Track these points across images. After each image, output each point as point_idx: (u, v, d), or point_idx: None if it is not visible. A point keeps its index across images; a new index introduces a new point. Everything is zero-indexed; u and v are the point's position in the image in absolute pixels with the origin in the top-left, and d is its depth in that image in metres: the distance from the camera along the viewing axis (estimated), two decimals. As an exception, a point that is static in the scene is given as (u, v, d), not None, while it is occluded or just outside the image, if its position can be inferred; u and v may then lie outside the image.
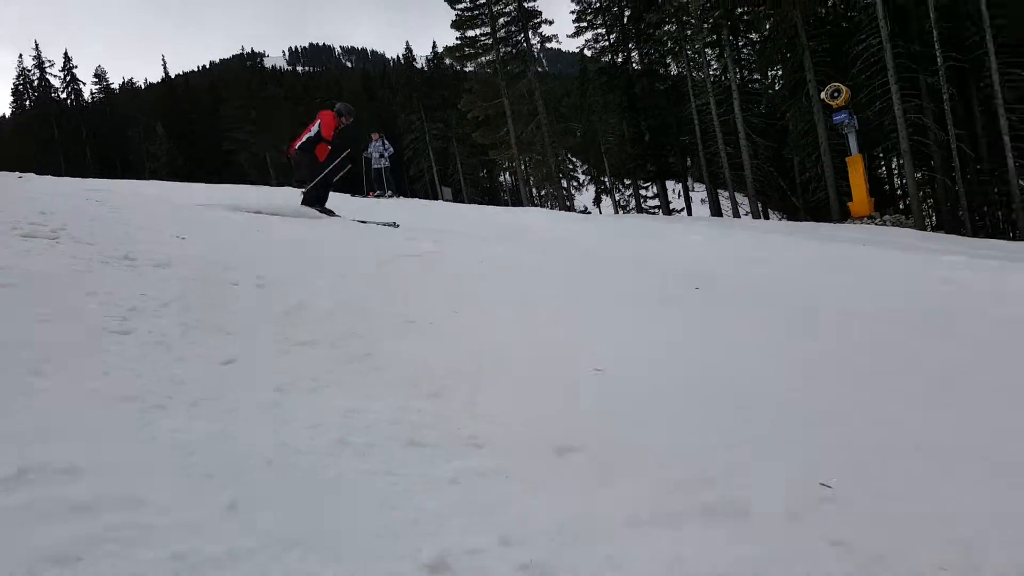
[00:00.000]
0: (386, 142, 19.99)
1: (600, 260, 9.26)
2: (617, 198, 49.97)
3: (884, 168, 40.45)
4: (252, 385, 3.06)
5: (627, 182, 49.17)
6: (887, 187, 39.82)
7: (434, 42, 67.48)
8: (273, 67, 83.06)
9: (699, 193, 51.39)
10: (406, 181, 56.91)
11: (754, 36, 38.31)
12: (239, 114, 57.40)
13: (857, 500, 2.58)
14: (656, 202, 47.01)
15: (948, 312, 7.29)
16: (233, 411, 2.76)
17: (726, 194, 40.43)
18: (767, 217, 39.09)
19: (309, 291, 4.72)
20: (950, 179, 30.52)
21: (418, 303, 5.08)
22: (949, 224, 31.15)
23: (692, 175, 50.58)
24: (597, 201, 53.62)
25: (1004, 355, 5.37)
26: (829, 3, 35.48)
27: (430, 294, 5.49)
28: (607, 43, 45.30)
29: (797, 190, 37.10)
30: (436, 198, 37.62)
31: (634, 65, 44.52)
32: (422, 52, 69.11)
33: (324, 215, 9.04)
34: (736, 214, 39.62)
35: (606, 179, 50.68)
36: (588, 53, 47.48)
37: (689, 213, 45.10)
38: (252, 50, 68.91)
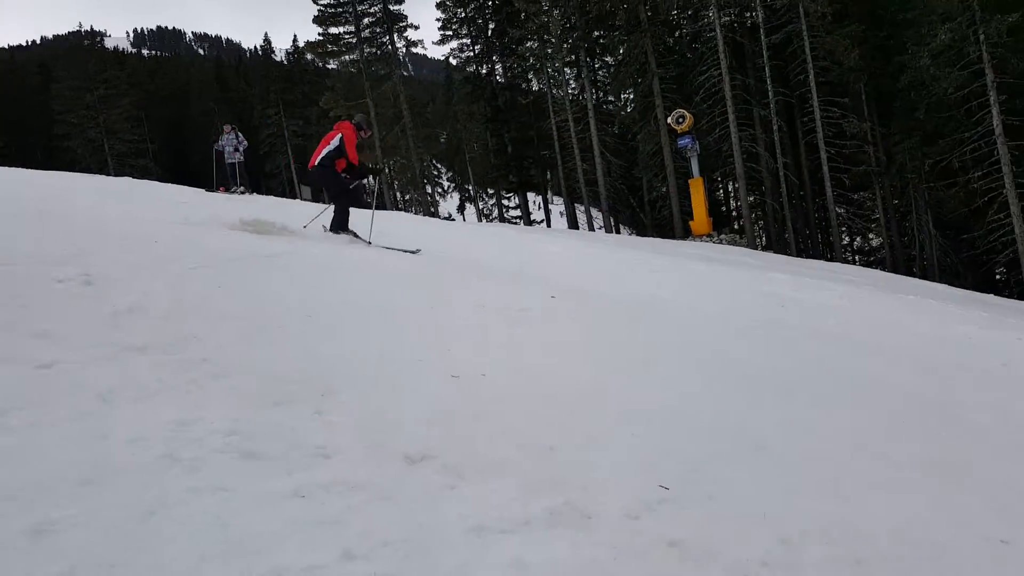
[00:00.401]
0: (240, 135, 18.91)
1: (473, 267, 9.27)
2: (481, 207, 50.49)
3: (722, 190, 43.74)
4: (70, 393, 2.74)
5: (491, 191, 49.82)
6: (724, 208, 43.11)
7: (295, 36, 64.83)
8: (116, 48, 76.37)
9: (557, 206, 53.05)
10: (261, 178, 54.28)
11: (609, 60, 40.24)
12: (73, 96, 52.21)
13: (693, 500, 2.72)
14: (518, 212, 47.97)
15: (776, 323, 7.94)
16: (44, 423, 2.46)
17: (582, 208, 42.03)
18: (618, 231, 41.03)
19: (144, 291, 4.33)
20: (778, 203, 33.50)
21: (274, 306, 4.81)
22: (777, 244, 34.20)
23: (552, 188, 52.14)
24: (461, 209, 53.89)
25: (823, 364, 5.91)
26: (676, 34, 37.91)
27: (286, 296, 5.22)
28: (472, 54, 45.75)
29: (645, 207, 39.22)
30: (294, 197, 36.12)
31: (498, 78, 45.28)
32: (282, 45, 66.07)
33: (357, 240, 8.62)
34: (591, 227, 41.28)
35: (470, 187, 51.08)
36: (454, 62, 47.76)
37: (548, 225, 46.40)
38: (91, 28, 62.95)
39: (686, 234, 32.27)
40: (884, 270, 27.96)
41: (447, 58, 48.14)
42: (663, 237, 32.27)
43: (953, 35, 25.09)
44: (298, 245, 7.65)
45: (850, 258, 35.63)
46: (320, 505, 2.29)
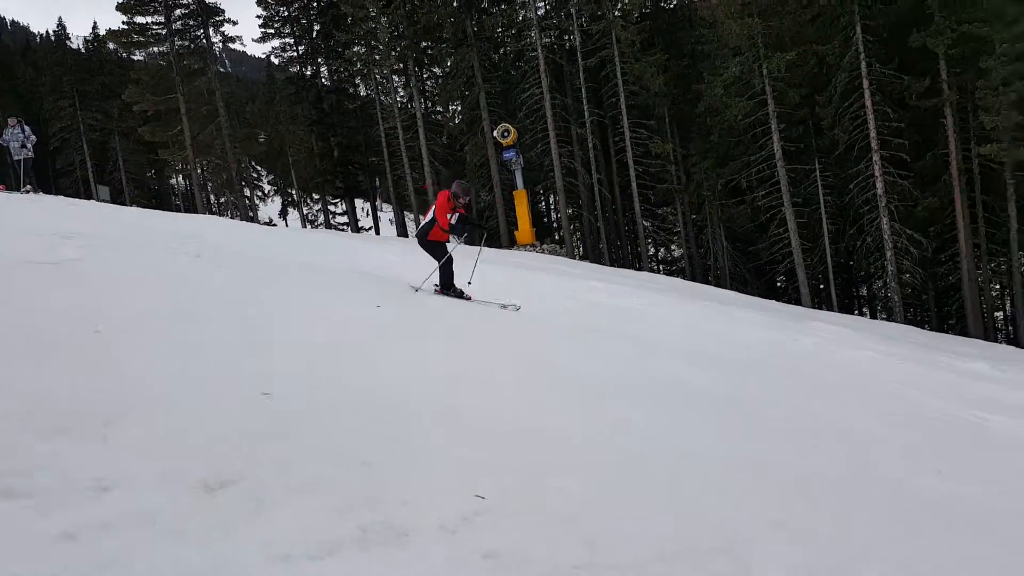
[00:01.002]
0: (27, 128, 16.67)
1: (284, 269, 8.77)
2: (305, 212, 48.49)
3: (544, 203, 45.55)
4: None
5: (316, 196, 48.02)
6: (546, 219, 44.93)
7: (95, 22, 58.58)
8: None
9: (387, 213, 52.32)
10: (51, 175, 48.30)
11: (438, 71, 40.48)
12: None
13: (513, 509, 2.71)
14: (345, 219, 46.66)
15: (592, 328, 8.34)
16: None
17: (412, 216, 41.78)
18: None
19: None
20: (593, 216, 35.49)
21: (58, 320, 4.21)
22: (593, 253, 36.21)
23: (381, 195, 51.33)
24: (284, 214, 51.41)
25: (633, 367, 6.27)
26: (501, 51, 38.98)
27: (75, 309, 4.59)
28: (295, 54, 43.94)
29: (474, 217, 39.89)
30: (89, 198, 32.45)
31: (324, 80, 43.85)
32: (79, 31, 59.19)
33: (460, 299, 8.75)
34: (419, 235, 41.11)
35: (294, 192, 48.89)
36: (276, 61, 45.57)
37: (377, 232, 45.61)
38: None
39: (511, 244, 33.17)
40: (685, 278, 30.58)
41: (269, 57, 45.84)
42: (489, 246, 32.90)
43: (742, 68, 28.05)
44: (91, 251, 6.82)
45: (655, 267, 38.59)
46: (93, 547, 2.00)
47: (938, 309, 29.35)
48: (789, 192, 28.59)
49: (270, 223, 45.44)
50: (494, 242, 35.50)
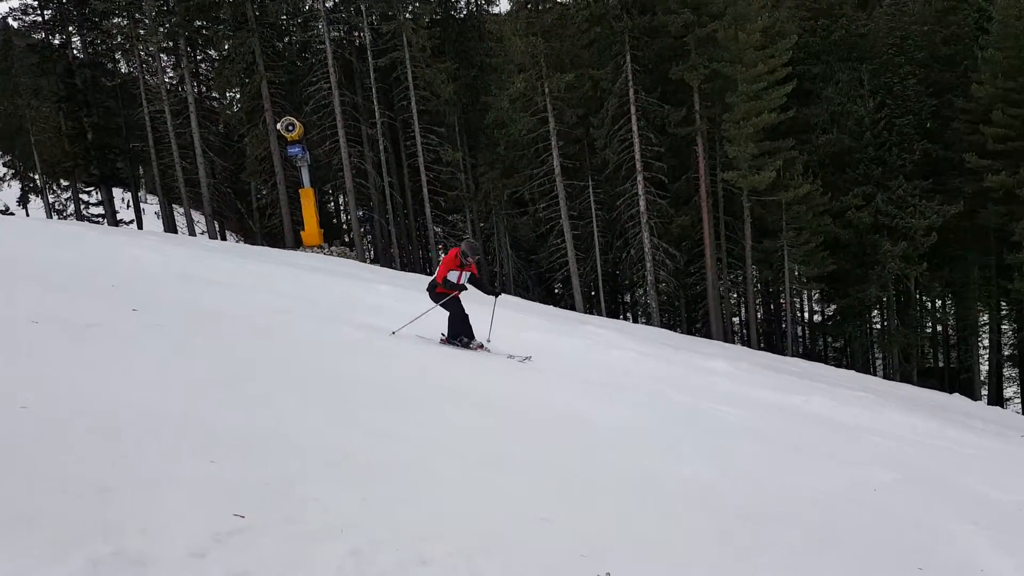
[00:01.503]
0: None
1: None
2: (52, 200, 42.28)
3: (333, 203, 44.27)
4: None
5: (65, 183, 42.08)
6: (335, 220, 43.71)
7: None
8: None
9: (152, 206, 47.42)
10: None
11: (214, 53, 37.57)
12: None
13: (271, 524, 2.58)
14: (101, 210, 41.44)
15: (376, 329, 8.24)
16: None
17: (182, 210, 38.27)
18: (224, 238, 38.46)
19: None
20: (385, 219, 35.20)
21: None
22: (384, 257, 35.89)
23: (145, 186, 46.40)
24: (24, 201, 44.41)
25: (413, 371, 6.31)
26: (287, 39, 37.24)
27: None
28: (40, 18, 38.25)
29: (254, 214, 37.56)
30: None
31: (76, 52, 38.66)
32: None
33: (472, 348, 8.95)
34: (192, 232, 37.85)
35: (37, 176, 42.41)
36: (15, 24, 39.30)
37: (140, 226, 41.12)
38: None
39: (297, 244, 31.79)
40: (473, 284, 31.42)
41: (5, 19, 39.45)
42: (273, 246, 31.26)
43: (526, 84, 29.54)
44: None
45: (446, 272, 39.20)
46: None
47: (688, 314, 33.20)
48: (567, 206, 30.66)
49: (6, 211, 39.19)
50: (278, 242, 33.80)
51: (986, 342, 34.38)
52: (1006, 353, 34.81)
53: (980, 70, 28.86)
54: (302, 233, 31.13)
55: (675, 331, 29.78)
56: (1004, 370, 35.21)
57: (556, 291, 36.00)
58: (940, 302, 35.22)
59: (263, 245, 33.19)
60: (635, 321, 34.63)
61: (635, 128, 28.95)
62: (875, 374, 32.09)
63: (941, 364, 35.65)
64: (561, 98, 29.69)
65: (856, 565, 3.80)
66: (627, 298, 38.57)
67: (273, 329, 7.33)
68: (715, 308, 29.79)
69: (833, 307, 33.84)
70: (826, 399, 13.41)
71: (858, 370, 30.02)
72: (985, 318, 33.98)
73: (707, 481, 4.78)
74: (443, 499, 3.24)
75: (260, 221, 37.17)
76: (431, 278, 9.43)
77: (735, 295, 36.03)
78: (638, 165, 29.06)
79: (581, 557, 2.86)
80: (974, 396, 30.91)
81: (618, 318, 32.80)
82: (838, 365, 31.22)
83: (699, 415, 7.72)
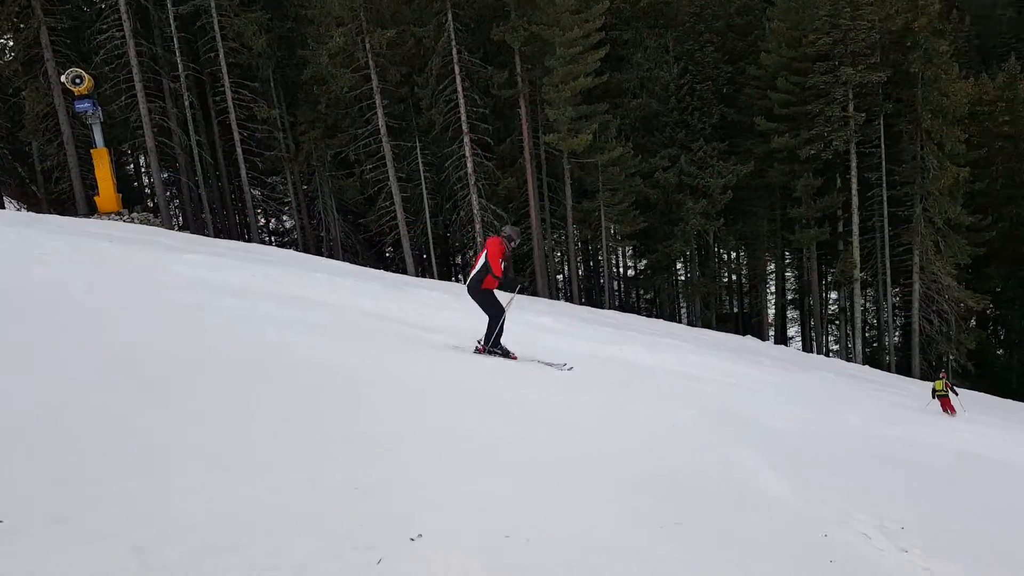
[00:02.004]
0: None
1: None
2: None
3: (132, 165, 40.16)
4: None
5: None
6: (136, 184, 39.69)
7: None
8: None
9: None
10: None
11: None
12: None
13: (35, 526, 2.35)
14: None
15: (174, 303, 7.72)
16: None
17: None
18: (2, 206, 33.61)
19: None
20: (194, 182, 32.55)
21: None
22: (195, 224, 33.25)
23: None
24: None
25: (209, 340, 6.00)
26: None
27: None
28: None
29: (38, 179, 33.15)
30: None
31: None
32: None
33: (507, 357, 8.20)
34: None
35: None
36: None
37: None
38: None
39: (91, 211, 28.60)
40: (298, 250, 30.20)
41: None
42: (63, 214, 27.87)
43: (346, 39, 28.40)
44: None
45: (267, 239, 37.28)
46: None
47: (516, 274, 34.30)
48: (394, 167, 30.19)
49: None
50: (68, 209, 30.17)
51: (773, 288, 39.03)
52: (789, 298, 39.79)
53: (767, 40, 32.02)
54: (96, 199, 28.04)
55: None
56: (788, 312, 40.25)
57: (387, 255, 35.55)
58: (735, 254, 39.30)
59: (50, 213, 29.46)
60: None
61: (460, 88, 28.99)
62: (681, 321, 35.30)
63: (736, 310, 39.95)
64: (384, 55, 28.93)
65: (654, 490, 4.27)
66: (459, 260, 39.03)
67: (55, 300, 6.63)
68: (541, 267, 31.03)
69: (644, 262, 36.49)
70: (638, 347, 14.64)
71: (666, 319, 32.86)
72: (772, 267, 38.49)
73: (525, 435, 5.09)
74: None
75: (46, 186, 32.85)
76: (474, 273, 7.98)
77: (559, 254, 37.71)
78: (464, 126, 29.22)
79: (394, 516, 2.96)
80: (763, 337, 35.08)
81: (450, 281, 33.13)
82: (649, 315, 33.91)
83: (525, 369, 8.10)
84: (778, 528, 4.15)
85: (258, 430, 3.78)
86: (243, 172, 31.59)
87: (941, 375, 19.09)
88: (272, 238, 38.57)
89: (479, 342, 8.25)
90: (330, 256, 31.08)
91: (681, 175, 30.85)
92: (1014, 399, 25.66)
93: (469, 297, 8.16)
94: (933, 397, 17.28)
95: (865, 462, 7.35)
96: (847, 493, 5.46)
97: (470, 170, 29.45)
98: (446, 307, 14.27)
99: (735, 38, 34.22)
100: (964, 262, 31.77)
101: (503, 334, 8.21)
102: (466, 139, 29.24)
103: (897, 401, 17.35)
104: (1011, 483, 8.57)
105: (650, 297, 39.41)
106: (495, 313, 8.03)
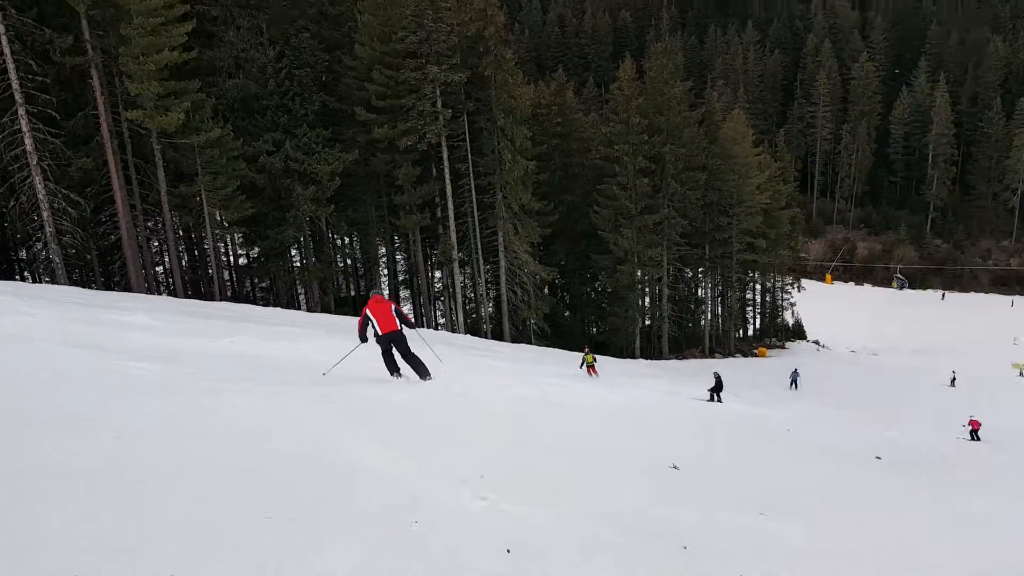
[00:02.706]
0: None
1: None
2: None
3: None
4: None
5: None
6: None
7: None
8: None
9: None
10: None
11: None
12: None
13: None
14: None
15: None
16: None
17: None
18: None
19: None
20: None
21: None
22: None
23: None
24: None
25: None
26: None
27: None
28: None
29: None
30: None
31: None
32: None
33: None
34: None
35: None
36: None
37: None
38: None
39: None
40: None
41: None
42: None
43: None
44: None
45: None
46: None
47: (103, 268, 30.06)
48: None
49: None
50: None
51: (385, 271, 41.21)
52: (400, 278, 42.41)
53: (360, 32, 33.27)
54: None
55: (90, 287, 26.63)
56: (400, 292, 42.89)
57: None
58: (347, 239, 40.41)
59: None
60: (37, 281, 29.42)
61: (8, 51, 24.01)
62: (300, 308, 35.09)
63: (353, 292, 41.18)
64: None
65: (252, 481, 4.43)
66: (23, 254, 32.40)
67: None
68: (133, 258, 27.75)
69: (256, 249, 35.23)
70: (252, 337, 14.20)
71: (284, 307, 32.35)
72: (383, 250, 40.57)
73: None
74: None
75: None
76: (397, 330, 9.98)
77: (156, 243, 34.11)
78: (18, 96, 24.38)
79: None
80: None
81: (14, 279, 27.39)
82: (266, 304, 32.94)
83: (109, 373, 7.34)
84: (371, 500, 4.63)
85: None
86: None
87: (586, 349, 24.88)
88: None
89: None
90: None
91: (288, 160, 30.45)
92: (578, 351, 31.64)
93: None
94: (582, 366, 22.44)
95: (456, 424, 8.43)
96: (440, 455, 6.29)
97: (30, 148, 24.75)
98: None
99: (329, 27, 34.82)
100: (536, 241, 37.79)
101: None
102: (21, 111, 24.44)
103: (492, 364, 20.03)
104: (574, 422, 10.74)
105: (266, 285, 38.16)
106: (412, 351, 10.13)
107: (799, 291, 59.00)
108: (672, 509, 6.11)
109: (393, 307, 9.94)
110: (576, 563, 4.33)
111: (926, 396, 34.66)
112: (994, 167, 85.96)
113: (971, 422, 23.60)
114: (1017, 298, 75.49)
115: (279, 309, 29.15)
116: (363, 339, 10.10)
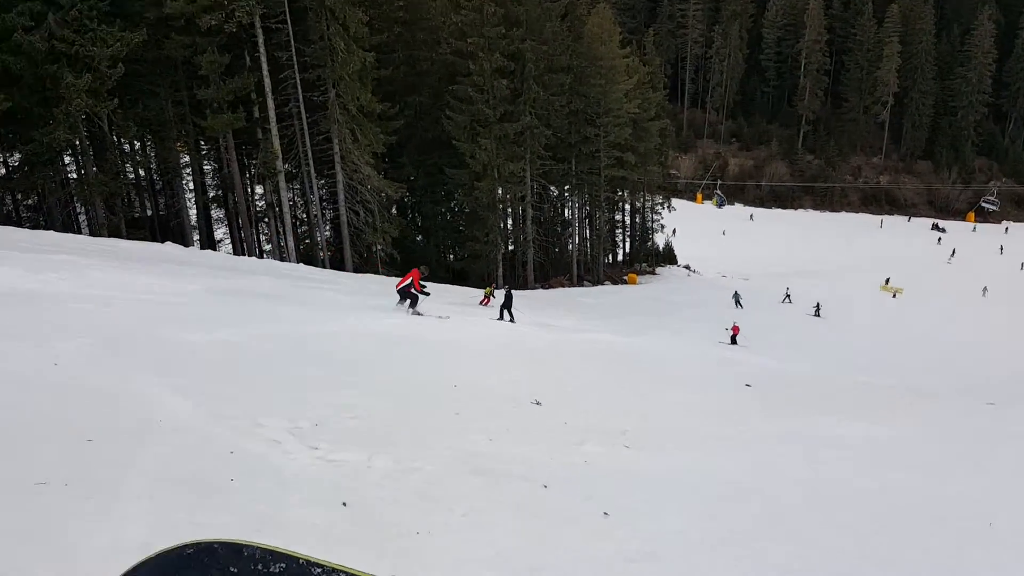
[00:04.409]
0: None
1: None
2: None
3: None
4: None
5: None
6: None
7: None
8: None
9: None
10: None
11: None
12: None
13: None
14: None
15: None
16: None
17: None
18: None
19: None
20: None
21: None
22: None
23: None
24: None
25: None
26: None
27: None
28: None
29: None
30: None
31: None
32: None
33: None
34: None
35: None
36: None
37: None
38: None
39: None
40: None
41: None
42: None
43: None
44: None
45: None
46: None
47: None
48: None
49: None
50: None
51: (191, 185, 38.49)
52: (211, 195, 39.85)
53: None
54: None
55: None
56: (212, 212, 40.39)
57: None
58: (139, 144, 37.18)
59: None
60: None
61: None
62: (81, 232, 32.27)
63: (150, 212, 38.32)
64: None
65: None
66: None
67: None
68: None
69: (17, 156, 31.74)
70: (19, 269, 12.83)
71: (59, 230, 29.60)
72: (187, 159, 37.78)
73: None
74: None
75: None
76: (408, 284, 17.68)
77: None
78: None
79: None
80: (187, 242, 34.74)
81: None
82: (36, 226, 30.02)
83: None
84: (184, 455, 4.39)
85: None
86: None
87: (492, 284, 31.59)
88: None
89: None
90: None
91: (53, 40, 27.25)
92: (432, 281, 31.62)
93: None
94: (484, 297, 28.35)
95: (287, 365, 8.20)
96: (262, 402, 6.07)
97: None
98: None
99: None
100: (380, 151, 36.76)
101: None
102: None
103: (336, 299, 19.61)
104: (431, 359, 10.77)
105: (33, 203, 34.55)
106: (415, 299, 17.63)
107: (670, 211, 62.14)
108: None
109: (410, 279, 17.64)
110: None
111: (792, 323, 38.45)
112: (865, 78, 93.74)
113: (733, 328, 30.73)
114: (886, 218, 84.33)
115: (52, 232, 26.65)
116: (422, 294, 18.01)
